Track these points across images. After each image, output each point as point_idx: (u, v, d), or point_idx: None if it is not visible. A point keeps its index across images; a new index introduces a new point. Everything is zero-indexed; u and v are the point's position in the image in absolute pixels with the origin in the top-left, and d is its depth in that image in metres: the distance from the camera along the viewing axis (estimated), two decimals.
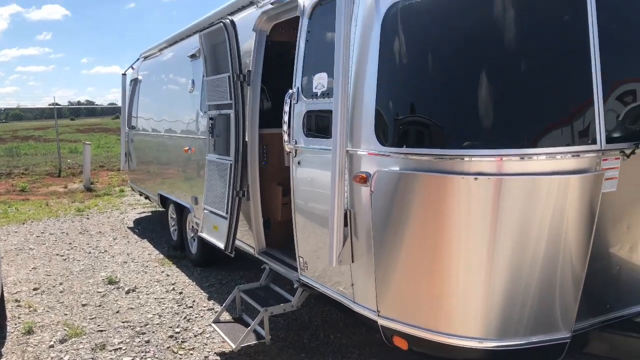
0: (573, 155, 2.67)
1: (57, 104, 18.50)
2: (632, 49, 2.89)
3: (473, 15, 2.76)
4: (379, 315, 3.11)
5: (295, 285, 4.07)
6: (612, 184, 2.79)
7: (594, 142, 2.69)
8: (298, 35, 3.81)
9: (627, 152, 2.77)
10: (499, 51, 2.72)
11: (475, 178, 2.64)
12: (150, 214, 9.84)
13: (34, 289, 5.82)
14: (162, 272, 6.33)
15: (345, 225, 3.19)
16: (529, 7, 2.72)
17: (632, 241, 3.05)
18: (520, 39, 2.73)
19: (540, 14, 2.72)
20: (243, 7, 5.19)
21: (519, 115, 2.69)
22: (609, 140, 2.72)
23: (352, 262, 3.24)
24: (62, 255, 7.15)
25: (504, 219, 2.66)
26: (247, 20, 4.76)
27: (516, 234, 2.70)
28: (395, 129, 2.93)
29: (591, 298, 2.95)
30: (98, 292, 5.70)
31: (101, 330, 4.72)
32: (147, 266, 6.58)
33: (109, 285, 5.88)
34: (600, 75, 2.68)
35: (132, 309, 5.20)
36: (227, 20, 4.64)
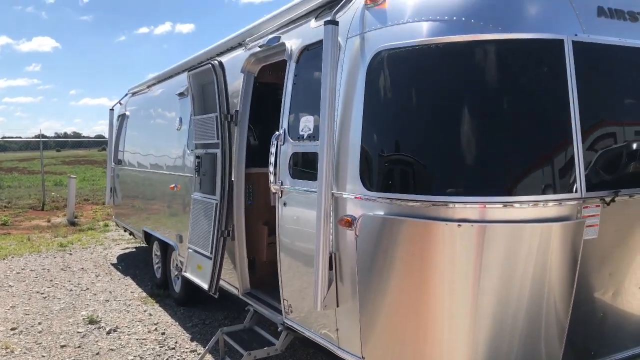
0: (555, 203, 2.71)
1: (43, 136, 18.38)
2: (610, 100, 2.96)
3: (456, 64, 2.82)
4: None
5: (279, 328, 4.02)
6: (593, 231, 2.82)
7: (574, 190, 2.73)
8: (285, 78, 3.86)
9: (607, 199, 2.81)
10: (481, 100, 2.78)
11: (459, 225, 2.66)
12: (134, 250, 9.73)
13: (12, 329, 5.68)
14: (145, 311, 6.22)
15: (330, 268, 3.18)
16: (510, 58, 2.79)
17: (615, 287, 3.07)
18: (501, 89, 2.80)
19: (520, 64, 2.79)
20: (232, 48, 5.27)
21: (502, 163, 2.74)
22: (590, 188, 2.77)
23: (337, 306, 3.22)
24: (42, 293, 7.01)
25: (487, 266, 2.67)
26: (235, 61, 4.82)
27: (500, 281, 2.71)
28: (380, 174, 2.96)
29: (575, 344, 2.95)
30: (78, 332, 5.57)
31: None
32: (129, 305, 6.47)
33: (89, 325, 5.75)
34: (579, 126, 2.74)
35: (112, 350, 5.09)
36: (216, 62, 4.70)
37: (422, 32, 2.88)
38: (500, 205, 2.66)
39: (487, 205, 2.66)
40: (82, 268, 8.36)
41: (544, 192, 2.69)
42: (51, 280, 7.63)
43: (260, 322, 4.56)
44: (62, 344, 5.26)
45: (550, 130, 2.78)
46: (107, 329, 5.58)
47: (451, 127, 2.79)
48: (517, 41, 2.77)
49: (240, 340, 4.25)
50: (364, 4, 3.20)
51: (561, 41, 2.78)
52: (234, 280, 4.78)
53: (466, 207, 2.68)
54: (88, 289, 7.20)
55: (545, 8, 2.90)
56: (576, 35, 2.83)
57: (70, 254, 9.41)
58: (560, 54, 2.77)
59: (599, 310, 3.07)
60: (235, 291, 4.78)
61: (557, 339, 2.84)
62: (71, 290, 7.15)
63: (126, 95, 9.33)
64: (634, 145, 3.00)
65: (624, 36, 2.99)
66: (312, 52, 3.65)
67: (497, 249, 2.66)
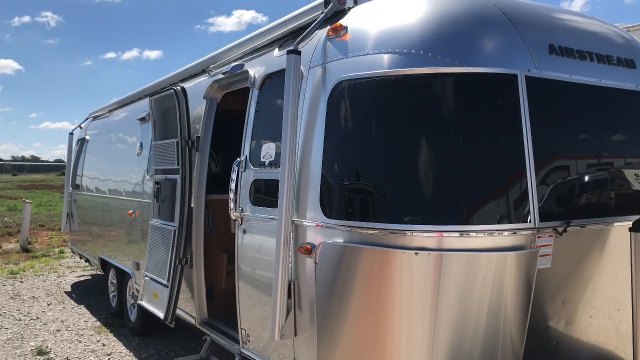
0: (509, 233, 2.77)
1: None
2: (562, 133, 3.07)
3: (413, 96, 2.89)
4: None
5: (237, 359, 3.93)
6: (546, 261, 2.89)
7: (528, 220, 2.80)
8: (248, 105, 3.88)
9: (560, 230, 2.89)
10: (438, 131, 2.85)
11: (416, 253, 2.68)
12: (90, 277, 9.42)
13: None
14: (98, 341, 6.00)
15: (289, 297, 3.15)
16: (466, 91, 2.88)
17: (568, 316, 3.13)
18: (457, 121, 2.87)
19: (475, 97, 2.88)
20: (196, 75, 5.27)
21: (457, 192, 2.79)
22: (543, 218, 2.84)
23: (295, 335, 3.18)
24: None
25: (444, 294, 2.69)
26: (198, 87, 4.81)
27: (457, 308, 2.73)
28: (339, 202, 2.97)
29: None
30: None
31: None
32: (82, 335, 6.23)
33: (38, 357, 5.50)
34: (532, 158, 2.82)
35: None
36: (178, 87, 4.69)
37: (382, 64, 2.95)
38: (457, 234, 2.70)
39: (444, 234, 2.70)
40: (33, 296, 8.04)
41: (499, 222, 2.75)
42: None
43: (218, 351, 4.46)
44: None
45: (505, 162, 2.86)
46: None
47: (409, 157, 2.84)
48: (472, 75, 2.86)
49: None
50: (326, 35, 3.27)
51: (515, 76, 2.88)
52: (191, 309, 4.68)
53: (424, 235, 2.71)
54: (38, 318, 6.91)
55: (500, 44, 3.01)
56: (529, 70, 2.94)
57: (21, 282, 9.05)
58: (514, 88, 2.87)
59: (552, 338, 3.11)
60: (192, 320, 4.67)
61: None
62: (20, 319, 6.85)
63: (87, 119, 9.17)
64: (586, 178, 3.11)
65: (573, 73, 3.13)
66: (274, 80, 3.68)
67: (453, 277, 2.69)
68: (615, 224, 3.14)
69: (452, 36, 2.94)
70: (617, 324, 3.35)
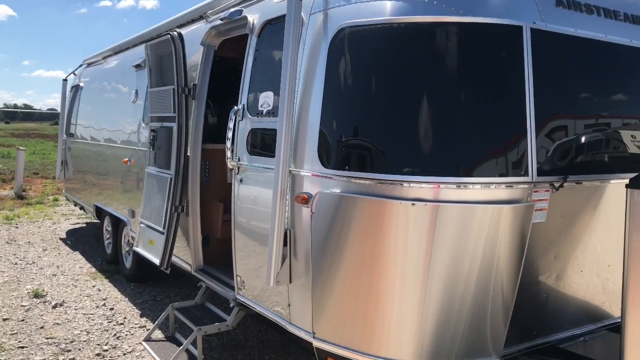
0: (506, 186, 2.77)
1: None
2: (564, 88, 3.05)
3: (415, 45, 2.84)
4: (314, 337, 3.09)
5: (231, 305, 3.99)
6: (542, 215, 2.91)
7: (526, 174, 2.80)
8: (246, 53, 3.80)
9: (556, 185, 2.90)
10: (439, 82, 2.81)
11: (413, 204, 2.69)
12: (84, 225, 9.47)
13: None
14: (94, 286, 6.08)
15: (285, 245, 3.17)
16: (469, 41, 2.83)
17: (559, 270, 3.18)
18: (459, 73, 2.83)
19: (479, 48, 2.83)
20: (192, 21, 5.15)
21: (456, 145, 2.78)
22: (540, 173, 2.84)
23: (290, 282, 3.22)
24: None
25: (439, 245, 2.72)
26: (196, 33, 4.71)
27: (450, 260, 2.77)
28: (338, 152, 2.96)
29: (519, 324, 3.05)
30: (22, 305, 5.40)
31: (22, 347, 4.47)
32: (77, 280, 6.31)
33: (34, 299, 5.59)
34: (533, 111, 2.80)
35: (58, 324, 4.96)
36: (175, 33, 4.58)
37: (385, 11, 2.88)
38: (454, 186, 2.71)
39: (441, 186, 2.70)
40: (29, 242, 8.10)
41: (496, 175, 2.75)
42: None
43: (212, 299, 4.53)
44: (5, 317, 5.10)
45: (505, 115, 2.84)
46: (53, 303, 5.43)
47: (409, 107, 2.81)
48: (477, 25, 2.80)
49: (191, 316, 4.20)
50: None
51: (520, 27, 2.83)
52: (187, 256, 4.72)
53: (421, 186, 2.71)
54: (34, 262, 6.98)
55: None
56: (534, 23, 2.88)
57: (17, 227, 9.09)
58: (519, 40, 2.82)
59: (543, 292, 3.17)
60: (187, 267, 4.72)
61: (502, 318, 2.92)
62: (16, 263, 6.91)
63: (81, 66, 9.01)
64: (585, 134, 3.10)
65: (579, 27, 3.07)
66: (274, 27, 3.60)
67: (448, 229, 2.70)
68: (612, 182, 3.16)
69: None
70: (604, 281, 3.42)
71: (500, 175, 2.76)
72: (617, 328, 3.31)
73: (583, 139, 3.09)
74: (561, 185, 2.90)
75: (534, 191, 2.84)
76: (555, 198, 2.93)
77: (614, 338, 3.31)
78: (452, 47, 2.83)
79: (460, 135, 2.78)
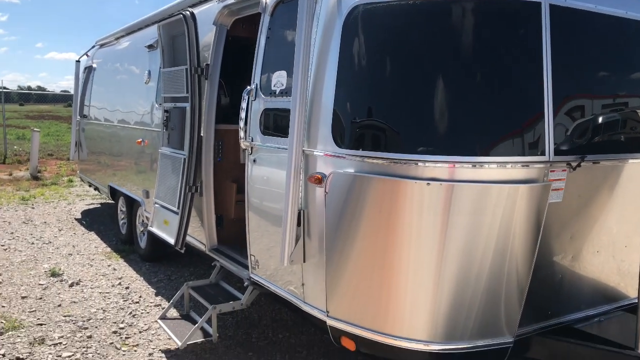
0: (522, 166, 2.74)
1: (5, 88, 17.72)
2: (582, 67, 2.99)
3: (432, 24, 2.80)
4: (328, 316, 3.11)
5: (245, 284, 4.02)
6: (558, 195, 2.88)
7: (542, 153, 2.77)
8: (259, 32, 3.77)
9: (574, 164, 2.86)
10: (456, 61, 2.77)
11: (428, 183, 2.67)
12: (99, 205, 9.57)
13: None
14: (109, 265, 6.16)
15: (299, 225, 3.18)
16: (486, 20, 2.78)
17: (575, 251, 3.16)
18: (476, 51, 2.79)
19: (496, 27, 2.78)
20: (205, 0, 5.11)
21: (473, 124, 2.75)
22: (557, 152, 2.81)
23: (304, 262, 3.23)
24: (2, 245, 6.85)
25: (454, 225, 2.70)
26: (208, 13, 4.68)
27: (465, 240, 2.75)
28: (352, 131, 2.94)
29: (534, 304, 3.04)
30: (40, 284, 5.49)
31: (41, 324, 4.55)
32: (93, 259, 6.39)
33: (51, 278, 5.67)
34: (551, 91, 2.76)
35: (75, 302, 5.04)
36: (187, 12, 4.56)
37: None
38: (470, 166, 2.69)
39: (457, 165, 2.68)
40: (45, 222, 8.20)
41: (512, 154, 2.72)
42: (12, 233, 7.46)
43: (227, 278, 4.57)
44: (23, 295, 5.19)
45: (522, 93, 2.79)
46: (70, 282, 5.51)
47: (425, 86, 2.78)
48: (494, 1, 2.75)
49: (205, 295, 4.25)
50: None
51: (538, 4, 2.77)
52: (201, 236, 4.75)
53: (436, 166, 2.69)
54: (50, 242, 7.08)
55: None
56: None
57: (33, 208, 9.21)
58: (537, 16, 2.76)
59: (558, 272, 3.16)
60: (202, 247, 4.76)
61: (517, 298, 2.92)
62: (33, 243, 7.01)
63: (93, 47, 9.01)
64: (603, 113, 3.05)
65: (599, 3, 3.00)
66: (287, 6, 3.56)
67: (464, 208, 2.69)
68: (630, 161, 3.11)
69: None
70: (619, 262, 3.39)
71: (517, 155, 2.73)
72: (633, 309, 3.30)
73: (601, 118, 3.04)
74: (578, 165, 2.87)
75: (551, 171, 2.81)
76: (572, 178, 2.90)
77: (629, 319, 3.29)
78: (469, 24, 2.78)
79: (477, 114, 2.75)
